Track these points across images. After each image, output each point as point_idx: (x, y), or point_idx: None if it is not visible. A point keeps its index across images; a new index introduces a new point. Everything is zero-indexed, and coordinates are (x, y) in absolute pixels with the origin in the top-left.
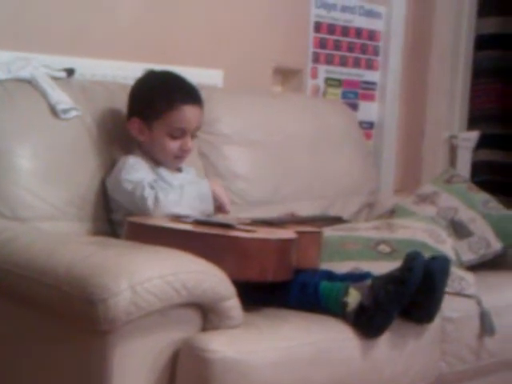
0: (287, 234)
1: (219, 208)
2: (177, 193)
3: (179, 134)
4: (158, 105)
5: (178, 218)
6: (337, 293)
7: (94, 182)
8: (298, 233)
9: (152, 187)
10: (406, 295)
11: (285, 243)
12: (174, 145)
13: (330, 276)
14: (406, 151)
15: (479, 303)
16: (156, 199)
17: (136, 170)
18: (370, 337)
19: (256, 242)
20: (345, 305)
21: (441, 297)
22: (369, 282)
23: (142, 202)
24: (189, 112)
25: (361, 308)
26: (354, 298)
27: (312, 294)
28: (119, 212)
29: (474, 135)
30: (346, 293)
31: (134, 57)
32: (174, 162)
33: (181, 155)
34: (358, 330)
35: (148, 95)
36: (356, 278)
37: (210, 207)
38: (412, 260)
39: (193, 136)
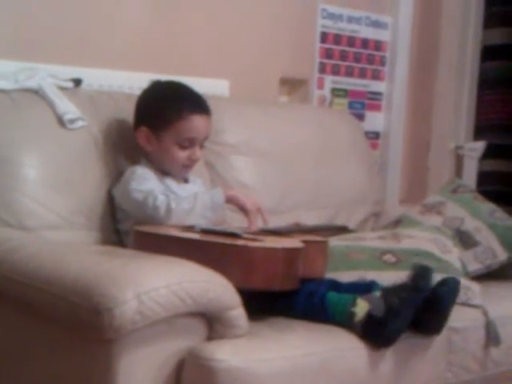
0: (294, 243)
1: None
2: (190, 202)
3: (188, 143)
4: (166, 114)
5: (185, 226)
6: (344, 303)
7: (101, 191)
8: (305, 242)
9: (165, 196)
10: (419, 302)
11: (291, 252)
12: (182, 154)
13: (335, 285)
14: (412, 161)
15: (485, 313)
16: (168, 208)
17: (146, 180)
18: (381, 346)
19: (262, 250)
20: (352, 315)
21: (449, 313)
22: (378, 292)
23: (154, 212)
24: (197, 121)
25: (369, 318)
26: (361, 308)
27: (318, 303)
28: (126, 222)
29: (480, 145)
30: (354, 303)
31: (140, 67)
32: (182, 171)
33: (189, 164)
34: (367, 340)
35: (156, 105)
36: (362, 287)
37: (222, 216)
38: (422, 270)
39: (201, 146)
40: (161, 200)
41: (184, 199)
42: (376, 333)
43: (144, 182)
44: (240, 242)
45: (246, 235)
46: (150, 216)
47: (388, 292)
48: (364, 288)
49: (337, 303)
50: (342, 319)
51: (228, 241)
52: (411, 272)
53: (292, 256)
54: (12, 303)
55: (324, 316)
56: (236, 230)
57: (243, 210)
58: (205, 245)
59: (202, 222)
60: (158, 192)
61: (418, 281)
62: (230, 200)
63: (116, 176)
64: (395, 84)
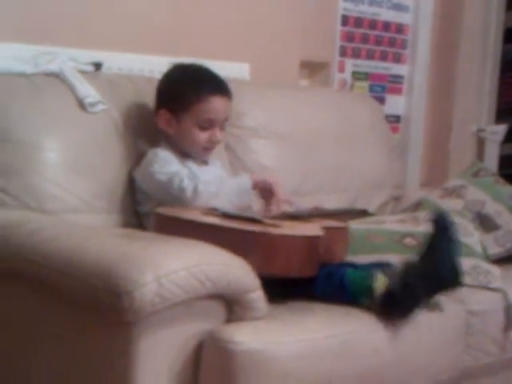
0: (314, 230)
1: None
2: (217, 186)
3: (208, 125)
4: (186, 96)
5: (206, 209)
6: (364, 279)
7: (121, 174)
8: (325, 228)
9: (190, 179)
10: (434, 288)
11: (311, 240)
12: (202, 136)
13: (354, 267)
14: (433, 145)
15: (505, 296)
16: (195, 190)
17: (169, 163)
18: (397, 319)
19: (283, 238)
20: (372, 290)
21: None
22: (399, 269)
23: (180, 193)
24: (217, 103)
25: (388, 293)
26: (381, 282)
27: (338, 281)
28: (146, 204)
29: (501, 128)
30: (374, 278)
31: (160, 51)
32: (203, 153)
33: (210, 146)
34: (384, 314)
35: (176, 87)
36: (378, 266)
37: (248, 202)
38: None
39: (222, 128)
40: (187, 182)
41: (211, 183)
42: (392, 308)
43: (167, 164)
44: (261, 229)
45: (266, 220)
46: (174, 197)
47: (409, 271)
48: (381, 267)
49: (356, 278)
50: (360, 294)
51: (249, 227)
52: (431, 221)
53: (312, 244)
54: (32, 285)
55: (342, 293)
56: (257, 215)
57: (269, 192)
58: (225, 230)
59: (227, 207)
60: (183, 174)
61: (436, 263)
62: (256, 185)
63: (136, 159)
64: (416, 67)
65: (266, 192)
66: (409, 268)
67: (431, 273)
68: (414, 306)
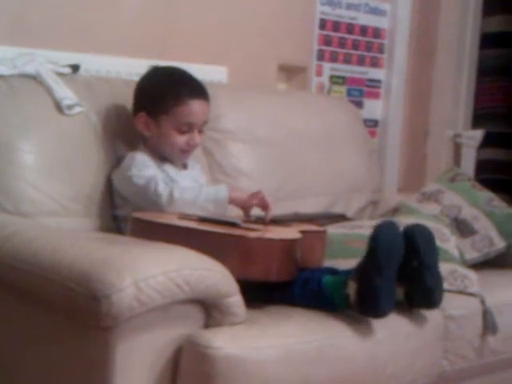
0: (291, 233)
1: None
2: (193, 193)
3: (186, 128)
4: (165, 100)
5: (184, 214)
6: (339, 286)
7: (99, 177)
8: (303, 232)
9: (166, 184)
10: (383, 261)
11: (289, 243)
12: (181, 139)
13: (332, 272)
14: (411, 149)
15: (482, 301)
16: (171, 196)
17: (146, 167)
18: (377, 317)
19: (260, 241)
20: (347, 297)
21: (434, 270)
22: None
23: (156, 198)
24: (196, 106)
25: (358, 295)
26: (352, 289)
27: (315, 287)
28: (124, 208)
29: (478, 134)
30: (346, 285)
31: (138, 53)
32: (181, 156)
33: (188, 150)
34: (363, 315)
35: (155, 90)
36: None
37: (224, 212)
38: (376, 229)
39: (200, 131)
40: (163, 187)
41: (188, 189)
42: (365, 308)
43: (145, 168)
44: (238, 233)
45: (244, 224)
46: (151, 201)
47: (360, 267)
48: None
49: (332, 286)
50: (339, 301)
51: (226, 230)
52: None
53: (290, 247)
54: (10, 289)
55: (321, 300)
56: (234, 219)
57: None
58: (202, 234)
59: (205, 214)
60: (159, 179)
61: (372, 238)
62: (233, 202)
63: (114, 162)
64: (394, 71)
65: (245, 208)
66: (361, 266)
67: (375, 255)
68: (384, 297)
